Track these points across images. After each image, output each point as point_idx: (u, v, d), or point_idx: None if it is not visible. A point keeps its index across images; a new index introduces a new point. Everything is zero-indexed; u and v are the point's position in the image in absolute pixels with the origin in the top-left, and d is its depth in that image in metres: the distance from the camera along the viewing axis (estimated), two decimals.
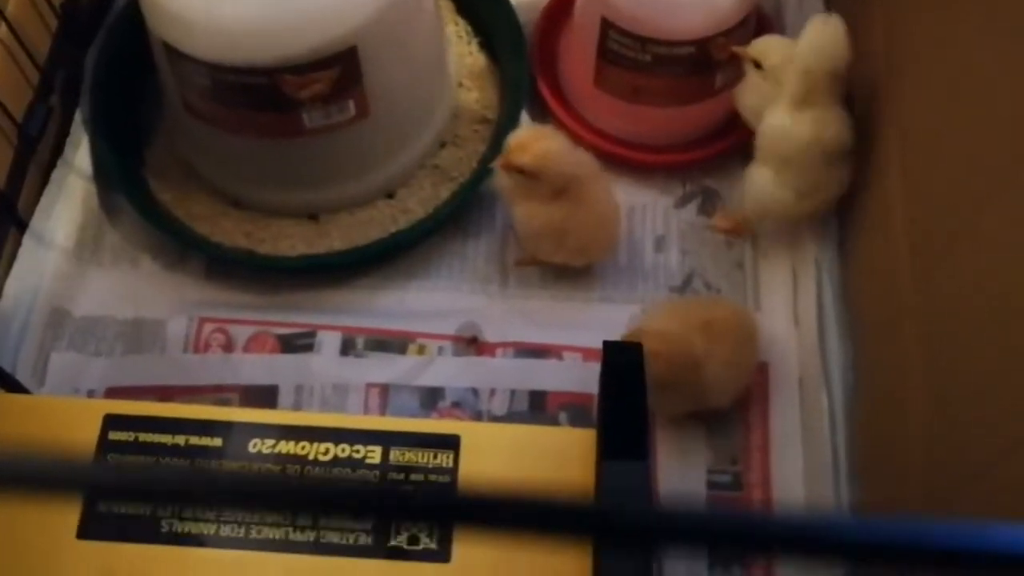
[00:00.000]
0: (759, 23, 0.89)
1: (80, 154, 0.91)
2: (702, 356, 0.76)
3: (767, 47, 0.82)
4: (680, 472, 0.79)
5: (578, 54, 0.92)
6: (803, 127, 0.79)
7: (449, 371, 0.83)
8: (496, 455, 0.65)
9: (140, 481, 0.27)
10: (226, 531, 0.63)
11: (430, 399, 0.82)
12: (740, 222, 0.88)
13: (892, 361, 0.74)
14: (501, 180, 0.82)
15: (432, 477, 0.64)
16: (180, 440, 0.65)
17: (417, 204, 0.90)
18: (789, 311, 0.85)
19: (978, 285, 0.63)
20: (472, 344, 0.85)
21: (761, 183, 0.83)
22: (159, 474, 0.28)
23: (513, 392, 0.83)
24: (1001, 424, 0.58)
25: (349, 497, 0.26)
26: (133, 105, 0.94)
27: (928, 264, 0.69)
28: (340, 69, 0.79)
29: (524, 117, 0.91)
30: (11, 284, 0.85)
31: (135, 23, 0.85)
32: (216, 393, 0.82)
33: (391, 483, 0.64)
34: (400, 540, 0.63)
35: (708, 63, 0.85)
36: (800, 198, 0.82)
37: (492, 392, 0.83)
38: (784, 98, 0.80)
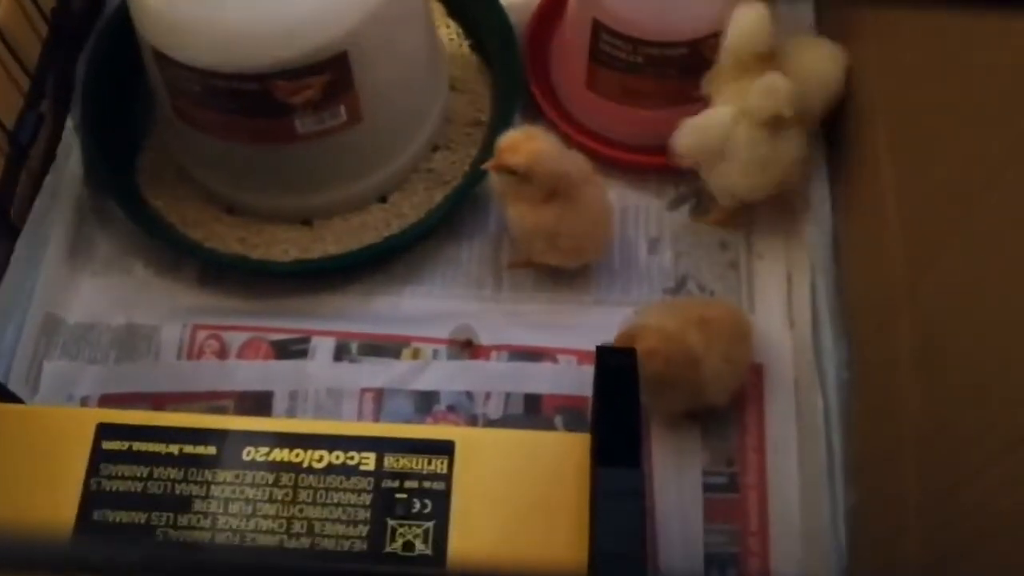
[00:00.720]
0: None
1: (72, 161, 0.91)
2: (700, 352, 0.76)
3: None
4: (676, 474, 0.79)
5: (570, 56, 0.92)
6: (725, 106, 0.82)
7: (444, 375, 0.83)
8: (490, 461, 0.65)
9: (130, 564, 0.27)
10: (221, 539, 0.63)
11: (425, 403, 0.82)
12: (724, 211, 0.88)
13: (887, 361, 0.74)
14: (494, 182, 0.82)
15: (426, 483, 0.64)
16: (174, 449, 0.65)
17: (410, 208, 0.90)
18: (784, 312, 0.85)
19: (973, 285, 0.63)
20: (466, 348, 0.85)
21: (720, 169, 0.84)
22: (150, 557, 0.28)
23: (508, 395, 0.83)
24: (997, 425, 0.58)
25: None
26: (125, 111, 0.94)
27: (923, 264, 0.69)
28: (331, 74, 0.79)
29: (516, 119, 0.91)
30: (4, 291, 0.84)
31: (125, 29, 0.84)
32: (210, 400, 0.82)
33: (386, 490, 0.64)
34: (395, 547, 0.62)
35: (700, 65, 0.85)
36: (745, 175, 0.82)
37: (487, 396, 0.83)
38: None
